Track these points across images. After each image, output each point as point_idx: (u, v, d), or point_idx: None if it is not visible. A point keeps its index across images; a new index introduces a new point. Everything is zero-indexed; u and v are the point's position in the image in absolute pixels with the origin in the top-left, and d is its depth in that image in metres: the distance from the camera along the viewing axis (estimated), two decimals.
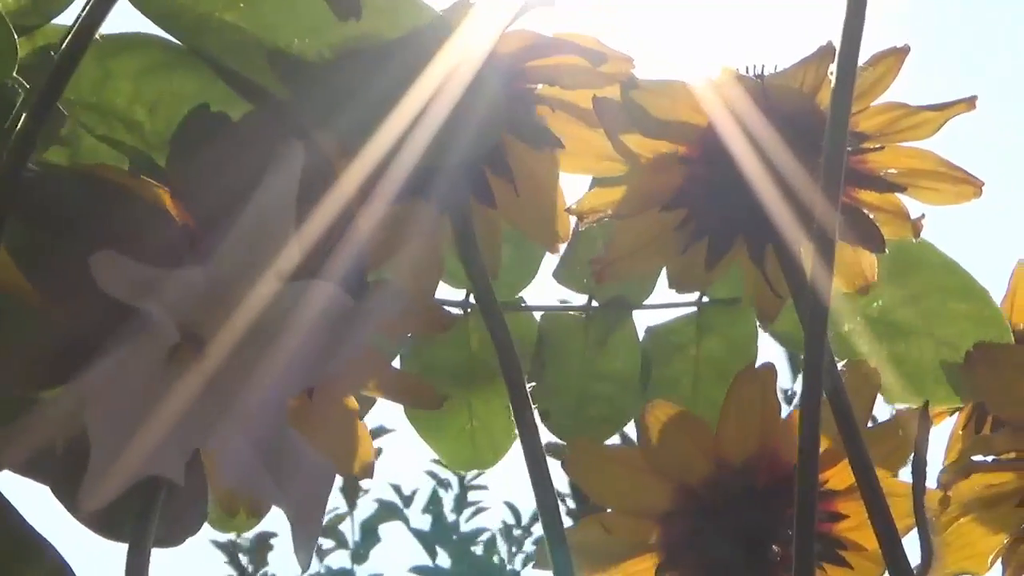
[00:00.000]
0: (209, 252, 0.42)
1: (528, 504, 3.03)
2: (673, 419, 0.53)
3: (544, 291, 0.64)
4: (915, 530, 0.51)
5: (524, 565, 3.08)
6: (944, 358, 0.59)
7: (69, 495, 0.45)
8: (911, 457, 0.51)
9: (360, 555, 3.16)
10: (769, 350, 0.60)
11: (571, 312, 0.63)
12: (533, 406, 0.50)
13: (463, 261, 0.51)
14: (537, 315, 0.64)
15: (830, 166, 0.44)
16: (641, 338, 0.63)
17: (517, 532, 3.12)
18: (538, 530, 2.85)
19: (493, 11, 0.48)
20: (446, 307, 0.61)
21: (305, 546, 0.42)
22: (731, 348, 0.63)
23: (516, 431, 0.59)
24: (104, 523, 0.46)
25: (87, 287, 0.42)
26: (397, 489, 3.15)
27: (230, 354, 0.42)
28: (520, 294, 0.64)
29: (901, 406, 0.58)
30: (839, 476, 0.53)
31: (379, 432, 1.98)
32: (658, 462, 0.53)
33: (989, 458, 0.55)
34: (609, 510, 0.54)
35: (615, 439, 0.64)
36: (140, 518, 0.44)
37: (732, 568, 0.53)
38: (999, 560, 0.57)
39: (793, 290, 0.51)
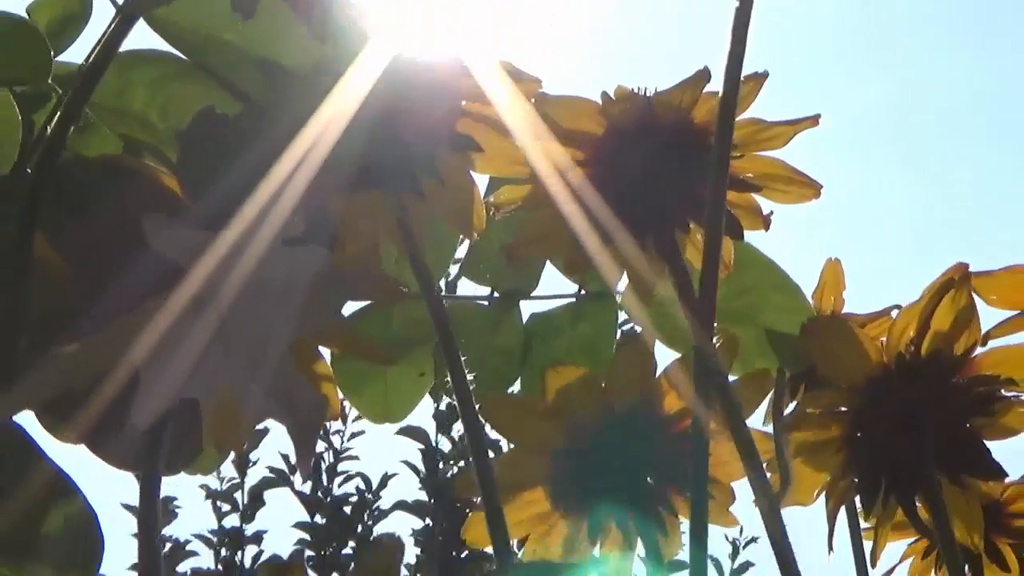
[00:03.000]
0: (216, 225, 0.51)
1: (376, 473, 3.76)
2: (568, 374, 0.63)
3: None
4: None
5: (376, 522, 3.72)
6: (763, 340, 0.71)
7: (95, 439, 0.54)
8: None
9: (248, 516, 3.72)
10: None
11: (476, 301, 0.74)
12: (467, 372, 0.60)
13: (408, 253, 0.61)
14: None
15: (717, 171, 0.56)
16: (527, 321, 0.74)
17: (368, 496, 3.71)
18: (385, 494, 3.61)
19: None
20: None
21: (305, 461, 0.52)
22: (597, 332, 0.74)
23: (424, 392, 0.70)
24: (121, 456, 0.54)
25: (107, 256, 0.51)
26: (286, 458, 3.63)
27: (243, 306, 0.50)
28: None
29: None
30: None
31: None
32: (554, 407, 0.63)
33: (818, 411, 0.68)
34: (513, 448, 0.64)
35: None
36: (149, 450, 0.53)
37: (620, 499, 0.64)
38: (823, 494, 0.69)
39: (674, 276, 0.62)
